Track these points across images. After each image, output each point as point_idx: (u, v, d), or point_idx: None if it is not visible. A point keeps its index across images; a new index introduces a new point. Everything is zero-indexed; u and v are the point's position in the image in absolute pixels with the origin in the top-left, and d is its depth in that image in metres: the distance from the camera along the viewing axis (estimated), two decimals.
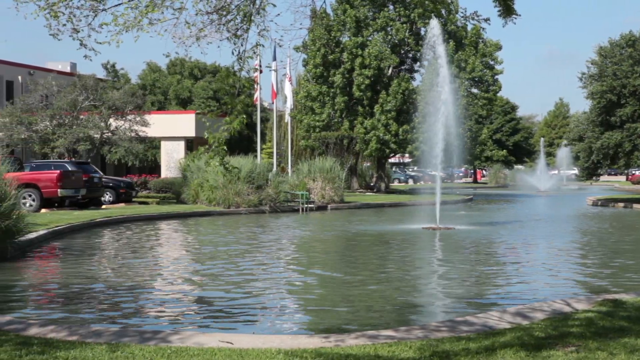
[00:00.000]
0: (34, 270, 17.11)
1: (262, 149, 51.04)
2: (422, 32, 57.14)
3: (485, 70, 57.82)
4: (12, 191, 18.59)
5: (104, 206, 36.53)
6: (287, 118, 53.90)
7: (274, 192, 38.35)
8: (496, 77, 59.28)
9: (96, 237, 24.73)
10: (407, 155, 71.59)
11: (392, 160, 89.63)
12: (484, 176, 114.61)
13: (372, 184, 61.60)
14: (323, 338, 9.06)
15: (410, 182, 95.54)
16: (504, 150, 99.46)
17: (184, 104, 71.46)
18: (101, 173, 40.39)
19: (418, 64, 58.98)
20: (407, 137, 55.16)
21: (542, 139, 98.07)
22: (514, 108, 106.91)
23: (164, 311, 12.37)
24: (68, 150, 42.53)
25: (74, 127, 42.76)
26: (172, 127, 52.40)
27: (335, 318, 11.56)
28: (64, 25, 8.51)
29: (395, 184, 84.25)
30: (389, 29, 56.22)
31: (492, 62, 59.04)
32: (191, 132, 52.73)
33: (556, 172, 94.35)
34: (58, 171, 33.24)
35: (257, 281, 15.41)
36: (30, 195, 32.02)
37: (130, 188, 40.90)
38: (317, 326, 10.99)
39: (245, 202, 36.92)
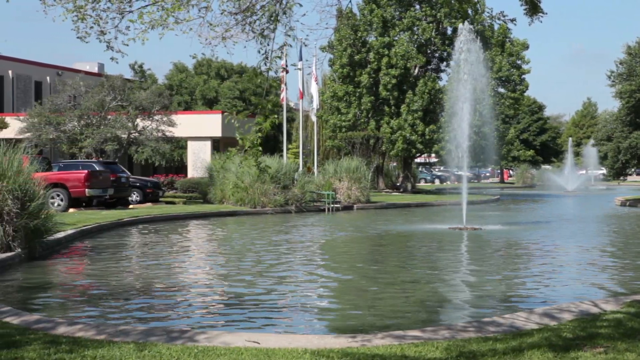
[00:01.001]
0: (62, 270, 17.22)
1: (288, 149, 51.13)
2: (449, 32, 57.01)
3: (512, 70, 57.58)
4: (40, 191, 18.72)
5: (131, 206, 36.72)
6: (313, 118, 53.93)
7: (300, 192, 38.36)
8: (523, 76, 59.01)
9: (123, 236, 24.86)
10: (433, 155, 71.37)
11: (418, 160, 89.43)
12: (510, 176, 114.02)
13: (398, 184, 61.49)
14: (349, 338, 9.05)
15: (437, 182, 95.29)
16: (531, 150, 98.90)
17: (211, 104, 71.69)
18: (128, 173, 40.59)
19: (444, 63, 58.85)
20: (434, 137, 55.04)
21: (569, 138, 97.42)
22: (541, 108, 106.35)
23: (190, 310, 12.42)
24: (96, 150, 42.81)
25: (102, 127, 43.02)
26: (198, 127, 52.59)
27: (362, 318, 11.54)
28: (91, 27, 8.57)
29: (422, 184, 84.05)
30: (415, 28, 56.08)
31: (519, 62, 58.77)
32: (217, 132, 52.89)
33: (584, 172, 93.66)
34: (86, 171, 33.44)
35: (283, 281, 15.43)
36: (58, 195, 32.24)
37: (157, 188, 41.09)
38: (343, 326, 10.98)
39: (271, 202, 36.96)
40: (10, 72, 59.22)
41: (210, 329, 10.43)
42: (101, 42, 8.62)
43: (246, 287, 14.43)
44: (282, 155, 45.49)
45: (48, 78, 62.15)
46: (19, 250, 17.48)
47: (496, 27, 57.95)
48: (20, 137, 42.33)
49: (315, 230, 28.07)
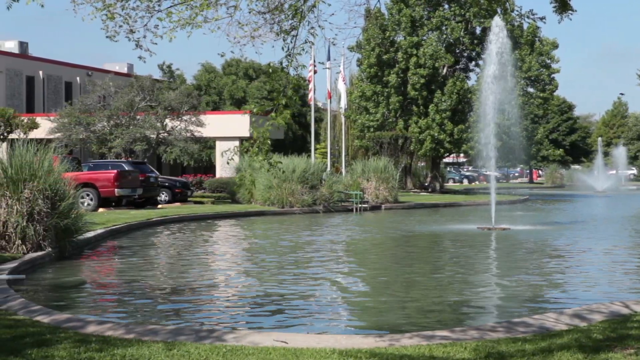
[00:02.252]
0: (92, 269, 17.34)
1: (315, 149, 51.12)
2: (478, 32, 56.73)
3: (541, 70, 57.19)
4: (70, 190, 18.86)
5: (160, 206, 36.88)
6: (342, 118, 53.84)
7: (327, 192, 38.32)
8: (552, 75, 58.60)
9: (152, 236, 24.97)
10: (461, 154, 71.04)
11: (446, 160, 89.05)
12: (540, 176, 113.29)
13: (426, 184, 61.28)
14: (377, 338, 9.04)
15: (465, 182, 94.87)
16: (561, 150, 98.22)
17: (239, 104, 71.85)
18: (157, 173, 40.76)
19: (473, 63, 58.59)
20: (462, 137, 54.81)
21: (599, 138, 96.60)
22: (570, 107, 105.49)
23: (218, 310, 12.45)
24: (125, 150, 43.02)
25: (131, 127, 43.23)
26: (226, 127, 52.67)
27: (390, 318, 11.52)
28: (120, 26, 8.61)
29: (450, 184, 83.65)
30: (444, 28, 55.86)
31: (548, 61, 58.37)
32: (245, 132, 52.95)
33: (614, 172, 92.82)
34: (115, 171, 33.64)
35: (311, 280, 15.43)
36: (88, 195, 32.42)
37: (185, 188, 41.23)
38: (371, 326, 10.96)
39: (299, 202, 36.97)
40: (40, 72, 59.73)
41: (238, 328, 10.44)
42: (130, 41, 8.66)
43: (274, 287, 14.43)
44: (309, 155, 45.46)
45: (78, 78, 62.59)
46: (50, 249, 17.61)
47: (525, 26, 57.57)
48: (51, 137, 42.59)
49: (343, 230, 28.04)
